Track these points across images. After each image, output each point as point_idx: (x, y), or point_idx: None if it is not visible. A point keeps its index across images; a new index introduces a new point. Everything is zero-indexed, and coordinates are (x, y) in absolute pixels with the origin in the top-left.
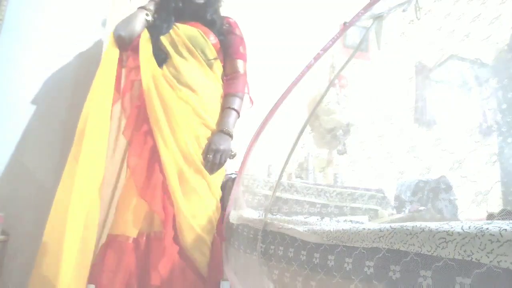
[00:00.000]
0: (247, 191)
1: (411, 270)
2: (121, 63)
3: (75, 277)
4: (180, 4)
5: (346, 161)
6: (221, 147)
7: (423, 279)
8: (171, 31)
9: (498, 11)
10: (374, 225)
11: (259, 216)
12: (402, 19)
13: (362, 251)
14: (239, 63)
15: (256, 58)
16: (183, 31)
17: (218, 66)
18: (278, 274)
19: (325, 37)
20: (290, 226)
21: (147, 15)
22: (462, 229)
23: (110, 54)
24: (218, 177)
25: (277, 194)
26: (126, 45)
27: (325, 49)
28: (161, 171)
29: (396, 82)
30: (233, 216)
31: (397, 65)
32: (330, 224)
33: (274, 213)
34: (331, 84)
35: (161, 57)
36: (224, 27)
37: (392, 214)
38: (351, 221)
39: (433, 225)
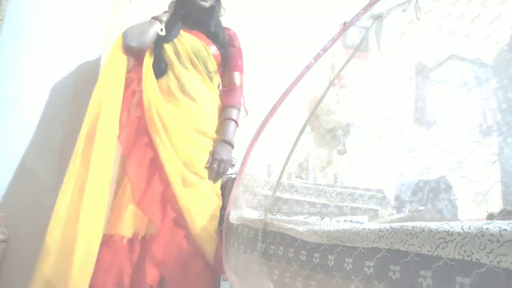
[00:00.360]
0: (247, 191)
1: (411, 270)
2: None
3: (80, 282)
4: (187, 10)
5: (346, 161)
6: (225, 158)
7: (423, 279)
8: (175, 40)
9: (498, 11)
10: (374, 225)
11: (259, 216)
12: (402, 19)
13: (362, 251)
14: (237, 75)
15: (256, 58)
16: (187, 42)
17: (216, 77)
18: (278, 274)
19: (325, 37)
20: (290, 226)
21: (161, 30)
22: (462, 229)
23: (118, 60)
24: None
25: (277, 194)
26: (134, 55)
27: (325, 49)
28: (162, 181)
29: (396, 82)
30: (233, 216)
31: (397, 65)
32: (330, 224)
33: (274, 213)
34: (331, 84)
35: (162, 65)
36: (225, 39)
37: (392, 214)
38: (351, 221)
39: (433, 225)
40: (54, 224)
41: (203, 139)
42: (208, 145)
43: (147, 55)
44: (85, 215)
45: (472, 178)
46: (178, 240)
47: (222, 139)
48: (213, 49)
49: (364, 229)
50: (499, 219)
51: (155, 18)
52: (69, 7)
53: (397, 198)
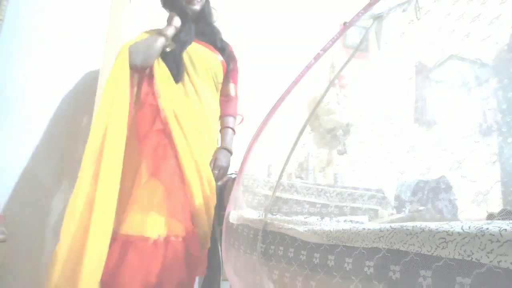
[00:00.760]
0: (247, 191)
1: (411, 270)
2: (131, 80)
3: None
4: (181, 17)
5: (346, 161)
6: (225, 164)
7: (423, 279)
8: (190, 50)
9: (498, 11)
10: (374, 225)
11: (259, 216)
12: (402, 19)
13: (362, 251)
14: (233, 87)
15: (256, 58)
16: (202, 54)
17: (219, 87)
18: (278, 274)
19: (325, 37)
20: (290, 226)
21: (166, 46)
22: (462, 229)
23: (123, 74)
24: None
25: (277, 194)
26: (139, 72)
27: (325, 49)
28: (186, 193)
29: (396, 82)
30: (233, 216)
31: (397, 65)
32: (330, 224)
33: (274, 213)
34: (331, 84)
35: (179, 72)
36: (228, 53)
37: (392, 214)
38: (351, 221)
39: (433, 225)
40: (68, 235)
41: (211, 144)
42: (212, 150)
43: (156, 65)
44: (96, 230)
45: (472, 178)
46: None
47: (223, 147)
48: (219, 57)
49: (364, 229)
50: (499, 219)
51: (162, 34)
52: (69, 7)
53: (397, 198)
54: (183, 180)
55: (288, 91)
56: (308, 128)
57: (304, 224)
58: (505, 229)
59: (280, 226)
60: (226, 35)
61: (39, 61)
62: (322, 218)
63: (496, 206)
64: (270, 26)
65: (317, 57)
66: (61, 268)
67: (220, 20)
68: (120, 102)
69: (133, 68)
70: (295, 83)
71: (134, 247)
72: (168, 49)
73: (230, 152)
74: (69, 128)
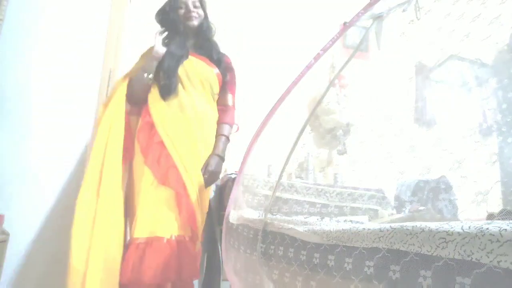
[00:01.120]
0: (247, 191)
1: (411, 270)
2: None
3: None
4: (178, 31)
5: (346, 161)
6: (216, 170)
7: (423, 279)
8: (186, 63)
9: (498, 11)
10: (374, 225)
11: (259, 216)
12: (402, 19)
13: (362, 251)
14: (230, 97)
15: (256, 58)
16: (198, 67)
17: (215, 97)
18: (278, 274)
19: (325, 37)
20: (290, 226)
21: (149, 80)
22: (462, 229)
23: (119, 106)
24: None
25: (277, 194)
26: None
27: (325, 49)
28: (189, 197)
29: (396, 82)
30: (233, 216)
31: (397, 65)
32: (330, 224)
33: (274, 213)
34: (331, 84)
35: (174, 85)
36: (225, 65)
37: (392, 214)
38: (351, 221)
39: (433, 225)
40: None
41: (207, 152)
42: (205, 157)
43: (155, 103)
44: (98, 242)
45: (472, 178)
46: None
47: (214, 153)
48: (216, 70)
49: (364, 229)
50: (499, 219)
51: (143, 69)
52: (69, 7)
53: (397, 198)
54: (184, 186)
55: (288, 91)
56: (308, 128)
57: (304, 224)
58: (505, 229)
59: (280, 226)
60: (226, 35)
61: (39, 61)
62: (322, 218)
63: (496, 206)
64: (270, 26)
65: (317, 57)
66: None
67: (220, 20)
68: (116, 129)
69: (132, 102)
70: (295, 83)
71: (150, 247)
72: (150, 82)
73: (222, 158)
74: (69, 128)
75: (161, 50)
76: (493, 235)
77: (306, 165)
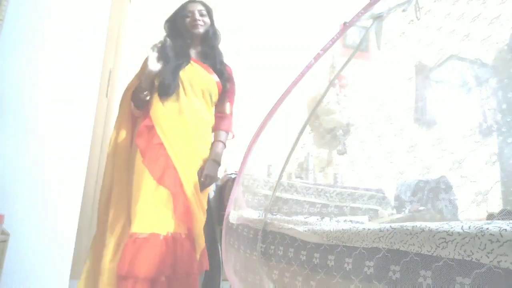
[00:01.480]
0: (247, 191)
1: (411, 270)
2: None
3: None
4: (187, 41)
5: (346, 161)
6: (212, 174)
7: (423, 279)
8: (190, 70)
9: (498, 11)
10: (374, 225)
11: (259, 216)
12: (402, 19)
13: (362, 251)
14: (228, 105)
15: (256, 58)
16: (201, 75)
17: (213, 104)
18: (278, 274)
19: (325, 37)
20: (290, 226)
21: (146, 96)
22: (462, 229)
23: (126, 114)
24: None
25: (277, 194)
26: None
27: (325, 49)
28: (187, 197)
29: (396, 82)
30: (233, 216)
31: (397, 65)
32: (330, 224)
33: (274, 213)
34: (331, 84)
35: (173, 87)
36: (226, 75)
37: (392, 214)
38: (351, 221)
39: (433, 225)
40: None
41: (206, 154)
42: (201, 163)
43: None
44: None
45: (472, 178)
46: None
47: (211, 158)
48: (215, 77)
49: (364, 229)
50: (499, 219)
51: (140, 89)
52: (69, 7)
53: (397, 198)
54: (182, 186)
55: (288, 91)
56: (308, 128)
57: (304, 224)
58: (505, 229)
59: (280, 226)
60: (226, 35)
61: (39, 61)
62: (322, 218)
63: (496, 206)
64: (270, 26)
65: (317, 57)
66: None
67: (220, 20)
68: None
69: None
70: (295, 83)
71: (147, 243)
72: (147, 98)
73: (218, 163)
74: (69, 128)
75: (155, 67)
76: (493, 235)
77: (306, 165)
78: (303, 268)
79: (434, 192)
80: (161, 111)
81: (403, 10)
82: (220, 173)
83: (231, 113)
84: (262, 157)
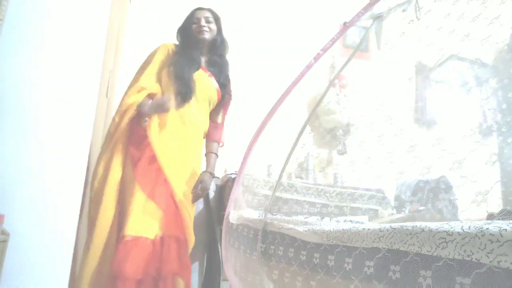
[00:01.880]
0: (247, 191)
1: (411, 270)
2: None
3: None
4: (193, 44)
5: (346, 161)
6: (208, 186)
7: (423, 279)
8: (196, 77)
9: (498, 11)
10: (374, 225)
11: (259, 216)
12: (402, 19)
13: (362, 251)
14: (222, 115)
15: (256, 58)
16: (206, 84)
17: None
18: (278, 274)
19: (325, 37)
20: (290, 226)
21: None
22: (462, 229)
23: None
24: None
25: (277, 194)
26: None
27: (325, 49)
28: (177, 207)
29: (396, 82)
30: (233, 216)
31: (397, 65)
32: (330, 224)
33: (274, 213)
34: (331, 84)
35: (189, 94)
36: (227, 88)
37: (392, 214)
38: (351, 221)
39: (433, 225)
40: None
41: (193, 166)
42: (197, 168)
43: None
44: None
45: (472, 178)
46: (183, 240)
47: (208, 171)
48: (217, 88)
49: (364, 229)
50: (499, 219)
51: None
52: (69, 7)
53: (397, 198)
54: (174, 198)
55: (288, 91)
56: (308, 128)
57: (304, 224)
58: (505, 229)
59: (280, 226)
60: (226, 35)
61: (39, 61)
62: (322, 218)
63: (496, 206)
64: (270, 26)
65: (317, 57)
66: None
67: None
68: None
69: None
70: (295, 83)
71: (136, 246)
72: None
73: (213, 175)
74: (69, 128)
75: (172, 106)
76: (493, 235)
77: (306, 165)
78: (303, 268)
79: (434, 192)
80: (155, 122)
81: (403, 10)
82: (220, 173)
83: (222, 123)
84: (262, 157)
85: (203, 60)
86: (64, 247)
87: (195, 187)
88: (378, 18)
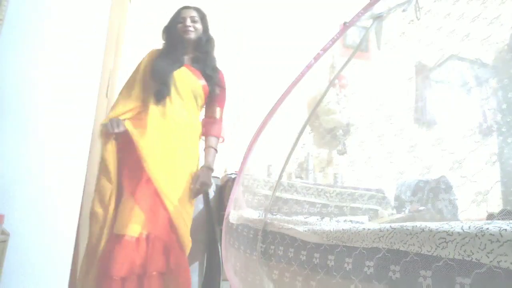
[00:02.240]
0: (247, 191)
1: (411, 270)
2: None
3: None
4: (178, 43)
5: (346, 161)
6: (207, 181)
7: (423, 279)
8: (176, 74)
9: (498, 11)
10: (374, 225)
11: (259, 216)
12: (402, 19)
13: (362, 251)
14: (219, 110)
15: (256, 58)
16: (187, 78)
17: (201, 107)
18: (278, 274)
19: (325, 37)
20: (290, 226)
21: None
22: (462, 229)
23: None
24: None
25: (277, 194)
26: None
27: (325, 49)
28: (164, 207)
29: (396, 82)
30: (233, 216)
31: (397, 65)
32: (330, 224)
33: (274, 213)
34: (331, 84)
35: (165, 93)
36: (216, 80)
37: (392, 214)
38: (351, 221)
39: (433, 225)
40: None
41: (187, 159)
42: (189, 163)
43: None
44: None
45: (472, 178)
46: (171, 240)
47: (205, 165)
48: (202, 81)
49: (364, 229)
50: (499, 219)
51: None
52: (69, 7)
53: (397, 198)
54: (159, 196)
55: (288, 91)
56: (308, 128)
57: (304, 224)
58: (505, 229)
59: (280, 226)
60: (226, 35)
61: (39, 61)
62: (322, 218)
63: (496, 206)
64: (270, 26)
65: (317, 57)
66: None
67: (220, 20)
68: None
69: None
70: (295, 83)
71: (119, 243)
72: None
73: (212, 170)
74: (69, 128)
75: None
76: (493, 235)
77: (306, 165)
78: (303, 268)
79: (434, 192)
80: (129, 124)
81: (403, 10)
82: (220, 173)
83: (221, 118)
84: (262, 157)
85: (187, 58)
86: (64, 247)
87: (193, 182)
88: (378, 18)
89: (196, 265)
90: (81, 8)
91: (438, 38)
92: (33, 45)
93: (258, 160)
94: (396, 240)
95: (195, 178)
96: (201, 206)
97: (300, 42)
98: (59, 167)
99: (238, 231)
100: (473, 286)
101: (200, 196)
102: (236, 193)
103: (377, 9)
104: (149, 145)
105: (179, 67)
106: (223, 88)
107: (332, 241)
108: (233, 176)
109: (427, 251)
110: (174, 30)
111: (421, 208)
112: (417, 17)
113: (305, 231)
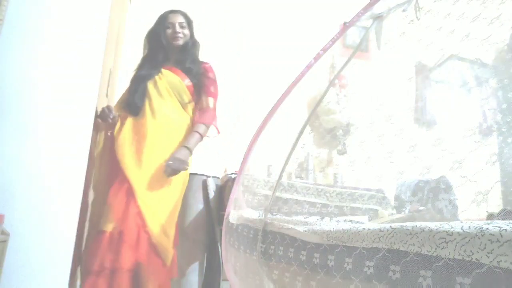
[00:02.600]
0: (247, 191)
1: (411, 270)
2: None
3: None
4: (163, 49)
5: (346, 161)
6: (182, 158)
7: (423, 279)
8: (156, 76)
9: (498, 11)
10: (374, 225)
11: (259, 216)
12: (402, 19)
13: (362, 251)
14: (210, 100)
15: (256, 58)
16: (166, 77)
17: (190, 105)
18: (278, 274)
19: (325, 37)
20: (290, 226)
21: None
22: (462, 229)
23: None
24: (179, 180)
25: (277, 194)
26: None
27: (325, 49)
28: (136, 205)
29: (396, 82)
30: (233, 216)
31: (397, 65)
32: (330, 224)
33: (274, 213)
34: (331, 84)
35: (141, 102)
36: (199, 71)
37: (392, 214)
38: (351, 221)
39: (433, 225)
40: None
41: (163, 156)
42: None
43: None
44: None
45: (472, 178)
46: (142, 236)
47: (184, 145)
48: (187, 81)
49: (364, 229)
50: (499, 219)
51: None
52: (69, 7)
53: (397, 198)
54: (133, 196)
55: (288, 91)
56: (308, 128)
57: (304, 224)
58: (505, 229)
59: (280, 226)
60: (226, 35)
61: (39, 61)
62: (322, 218)
63: (496, 206)
64: (270, 26)
65: (317, 57)
66: None
67: (220, 20)
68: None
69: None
70: (295, 83)
71: (94, 238)
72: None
73: (189, 150)
74: (69, 128)
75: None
76: (493, 235)
77: (306, 165)
78: (303, 268)
79: (434, 192)
80: (120, 132)
81: (403, 10)
82: (220, 173)
83: (213, 108)
84: (262, 157)
85: (171, 61)
86: (64, 247)
87: (167, 159)
88: (378, 18)
89: (196, 265)
90: (81, 8)
91: (438, 38)
92: (33, 45)
93: (258, 160)
94: (396, 240)
95: (171, 156)
96: (201, 206)
97: (300, 42)
98: (59, 167)
99: (238, 231)
100: (473, 286)
101: (200, 196)
102: (236, 193)
103: (377, 9)
104: (123, 144)
105: (157, 73)
106: (210, 79)
107: (332, 241)
108: (233, 176)
109: (427, 251)
110: (160, 35)
111: (421, 208)
112: (417, 17)
113: (305, 231)
